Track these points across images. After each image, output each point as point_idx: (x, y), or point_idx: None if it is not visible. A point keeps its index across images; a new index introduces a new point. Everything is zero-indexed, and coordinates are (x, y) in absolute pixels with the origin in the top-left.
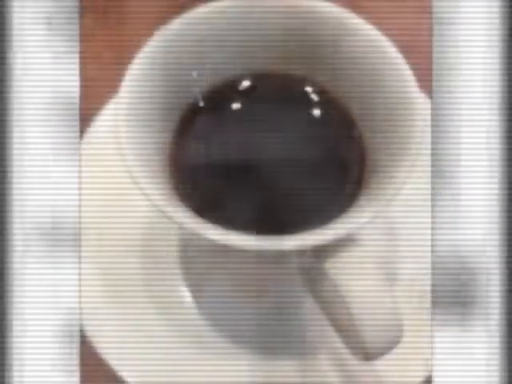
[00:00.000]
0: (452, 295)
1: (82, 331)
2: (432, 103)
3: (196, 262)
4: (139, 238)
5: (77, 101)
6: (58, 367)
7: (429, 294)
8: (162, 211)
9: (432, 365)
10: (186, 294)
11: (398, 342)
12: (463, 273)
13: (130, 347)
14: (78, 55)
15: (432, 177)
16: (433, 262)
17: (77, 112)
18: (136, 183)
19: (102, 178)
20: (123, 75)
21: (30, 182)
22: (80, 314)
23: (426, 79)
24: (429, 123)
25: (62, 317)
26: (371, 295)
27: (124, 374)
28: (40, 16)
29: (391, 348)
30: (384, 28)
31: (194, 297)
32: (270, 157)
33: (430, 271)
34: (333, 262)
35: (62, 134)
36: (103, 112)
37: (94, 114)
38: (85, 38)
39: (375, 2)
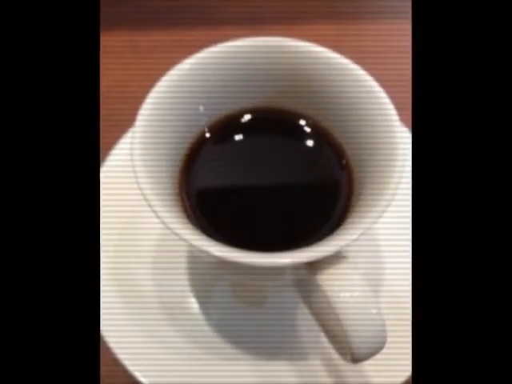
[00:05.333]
0: None
1: (101, 336)
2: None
3: (202, 274)
4: (152, 255)
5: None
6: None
7: (409, 303)
8: (172, 230)
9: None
10: (193, 303)
11: (383, 346)
12: None
13: (144, 348)
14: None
15: None
16: None
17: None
18: (149, 206)
19: (120, 197)
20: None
21: None
22: (100, 320)
23: (406, 113)
24: (410, 153)
25: None
26: (358, 304)
27: (137, 374)
28: None
29: (376, 351)
30: (367, 64)
31: (201, 305)
32: (269, 182)
33: (410, 282)
34: (324, 275)
35: None
36: (121, 142)
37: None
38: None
39: (360, 43)
